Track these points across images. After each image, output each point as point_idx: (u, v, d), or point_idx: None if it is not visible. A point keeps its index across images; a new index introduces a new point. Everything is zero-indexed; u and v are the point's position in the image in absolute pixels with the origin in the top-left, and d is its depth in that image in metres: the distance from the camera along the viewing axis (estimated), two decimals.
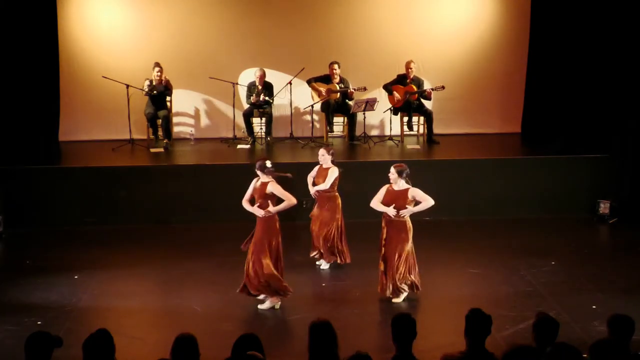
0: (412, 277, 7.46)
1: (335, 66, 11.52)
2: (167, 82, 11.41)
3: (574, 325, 6.83)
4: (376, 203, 7.46)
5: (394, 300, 7.48)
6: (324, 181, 8.39)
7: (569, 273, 8.35)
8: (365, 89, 11.55)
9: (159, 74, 11.27)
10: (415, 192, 7.36)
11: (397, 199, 7.36)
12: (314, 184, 8.56)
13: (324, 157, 8.43)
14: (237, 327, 6.92)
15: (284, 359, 6.22)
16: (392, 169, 7.40)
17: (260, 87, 11.47)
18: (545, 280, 8.12)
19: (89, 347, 4.42)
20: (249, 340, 4.64)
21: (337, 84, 11.60)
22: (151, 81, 11.29)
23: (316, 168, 8.56)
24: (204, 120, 12.44)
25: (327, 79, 11.63)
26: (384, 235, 7.46)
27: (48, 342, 4.41)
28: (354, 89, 11.51)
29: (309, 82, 11.64)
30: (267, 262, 7.25)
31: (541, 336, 4.74)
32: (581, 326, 6.85)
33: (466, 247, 9.05)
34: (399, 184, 7.38)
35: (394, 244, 7.40)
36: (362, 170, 9.96)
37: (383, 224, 7.49)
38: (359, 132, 11.70)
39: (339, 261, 8.48)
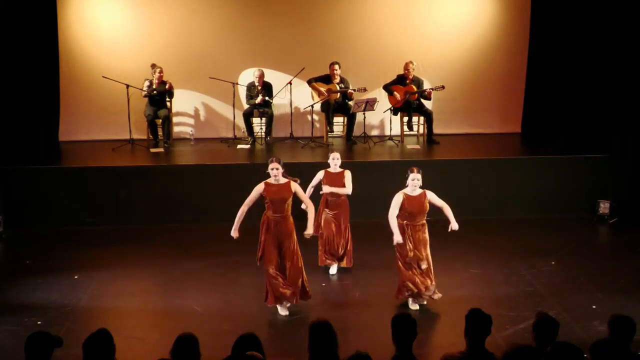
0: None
1: (336, 66, 11.52)
2: (170, 85, 11.40)
3: (574, 325, 6.83)
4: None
5: (436, 297, 7.42)
6: (340, 185, 8.16)
7: (569, 273, 8.35)
8: (365, 89, 11.55)
9: (160, 74, 11.27)
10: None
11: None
12: (330, 194, 8.24)
13: (338, 161, 8.21)
14: (237, 327, 6.90)
15: (284, 359, 6.21)
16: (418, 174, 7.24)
17: (259, 87, 11.47)
18: (545, 280, 8.12)
19: (89, 347, 4.42)
20: (249, 340, 4.64)
21: (338, 84, 11.60)
22: (151, 82, 11.30)
23: (321, 176, 8.25)
24: (204, 120, 12.44)
25: (327, 78, 11.64)
26: (413, 241, 7.31)
27: (48, 342, 4.42)
28: (354, 90, 11.51)
29: (309, 82, 11.65)
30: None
31: (541, 336, 4.75)
32: (581, 326, 6.85)
33: (466, 247, 9.05)
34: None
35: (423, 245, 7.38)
36: (362, 170, 9.94)
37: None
38: (359, 132, 11.71)
39: (347, 264, 8.36)
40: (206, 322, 7.00)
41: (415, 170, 7.25)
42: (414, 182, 7.20)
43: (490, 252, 8.98)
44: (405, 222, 7.27)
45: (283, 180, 7.21)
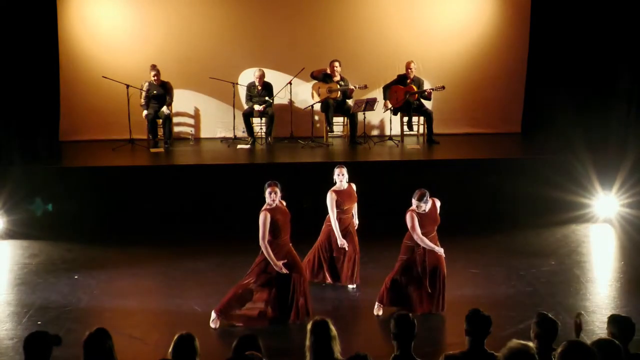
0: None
1: (336, 64, 11.52)
2: (167, 84, 11.42)
3: (573, 325, 6.81)
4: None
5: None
6: (353, 203, 7.82)
7: (568, 273, 8.35)
8: (366, 86, 11.54)
9: (155, 76, 11.27)
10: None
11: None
12: (345, 211, 7.74)
13: (345, 177, 7.72)
14: (237, 327, 6.93)
15: (284, 359, 6.21)
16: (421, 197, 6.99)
17: (259, 88, 11.47)
18: (545, 280, 8.13)
19: (89, 345, 4.43)
20: (248, 341, 4.66)
21: (337, 82, 11.60)
22: (150, 83, 11.31)
23: (334, 198, 7.63)
24: (204, 120, 12.44)
25: (327, 77, 11.63)
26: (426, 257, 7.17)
27: (46, 341, 4.43)
28: (355, 87, 11.51)
29: (311, 74, 11.64)
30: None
31: (541, 336, 4.75)
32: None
33: (466, 247, 9.04)
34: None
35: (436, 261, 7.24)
36: (362, 170, 9.94)
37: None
38: (359, 132, 11.70)
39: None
40: (206, 322, 7.00)
41: (420, 197, 6.99)
42: (419, 209, 7.05)
43: (490, 252, 8.98)
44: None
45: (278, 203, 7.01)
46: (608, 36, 10.83)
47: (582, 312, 5.12)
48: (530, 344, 4.22)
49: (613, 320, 4.87)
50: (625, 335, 4.76)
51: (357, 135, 11.62)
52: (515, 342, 4.20)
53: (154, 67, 11.32)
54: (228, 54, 12.11)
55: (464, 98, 12.36)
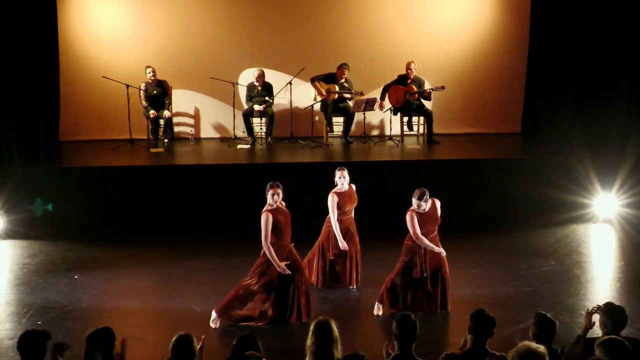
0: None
1: (346, 71, 11.50)
2: (165, 82, 11.42)
3: (573, 325, 6.83)
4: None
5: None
6: (354, 204, 7.84)
7: (569, 273, 8.36)
8: (362, 93, 11.58)
9: (151, 75, 11.25)
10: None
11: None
12: (345, 212, 7.77)
13: (346, 179, 7.71)
14: (237, 327, 6.93)
15: (284, 359, 6.21)
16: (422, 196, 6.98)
17: (259, 88, 11.47)
18: (545, 280, 8.13)
19: (93, 340, 4.47)
20: (248, 341, 4.67)
21: (342, 84, 11.58)
22: (147, 84, 11.31)
23: (335, 200, 7.67)
24: (204, 120, 12.44)
25: (330, 78, 11.62)
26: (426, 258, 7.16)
27: (40, 338, 4.48)
28: (352, 93, 11.51)
29: (312, 80, 11.65)
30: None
31: (539, 336, 4.75)
32: (580, 326, 6.80)
33: (466, 247, 9.04)
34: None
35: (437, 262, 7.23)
36: (362, 170, 9.94)
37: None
38: (359, 132, 11.71)
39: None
40: (206, 322, 7.00)
41: (419, 196, 7.00)
42: (420, 208, 7.04)
43: (490, 252, 8.98)
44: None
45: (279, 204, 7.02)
46: (608, 36, 10.82)
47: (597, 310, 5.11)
48: (542, 347, 4.20)
49: (607, 310, 4.89)
50: (617, 326, 4.78)
51: (349, 135, 11.62)
52: (526, 344, 4.19)
53: (149, 67, 11.31)
54: (228, 54, 12.11)
55: (464, 98, 12.36)
